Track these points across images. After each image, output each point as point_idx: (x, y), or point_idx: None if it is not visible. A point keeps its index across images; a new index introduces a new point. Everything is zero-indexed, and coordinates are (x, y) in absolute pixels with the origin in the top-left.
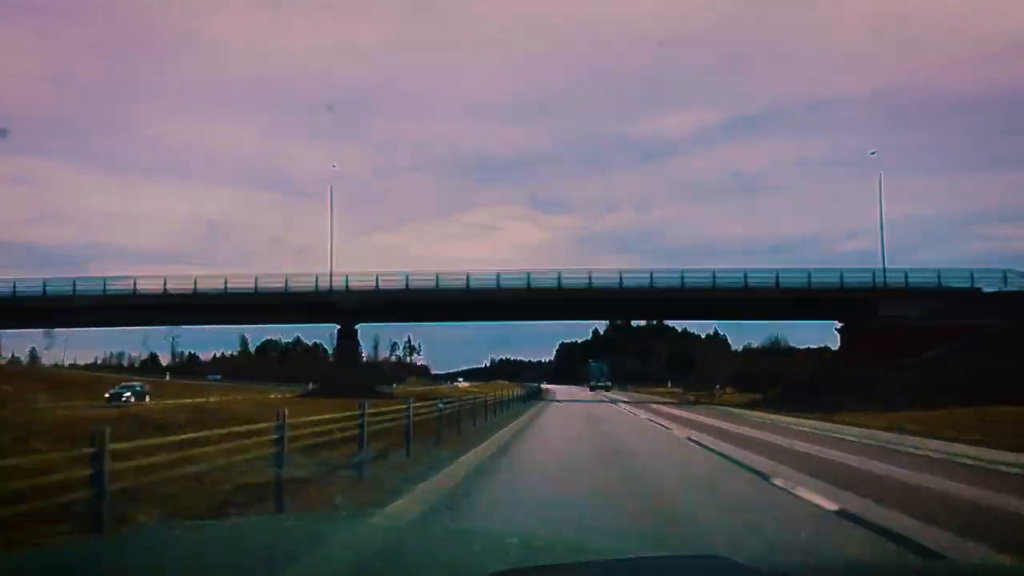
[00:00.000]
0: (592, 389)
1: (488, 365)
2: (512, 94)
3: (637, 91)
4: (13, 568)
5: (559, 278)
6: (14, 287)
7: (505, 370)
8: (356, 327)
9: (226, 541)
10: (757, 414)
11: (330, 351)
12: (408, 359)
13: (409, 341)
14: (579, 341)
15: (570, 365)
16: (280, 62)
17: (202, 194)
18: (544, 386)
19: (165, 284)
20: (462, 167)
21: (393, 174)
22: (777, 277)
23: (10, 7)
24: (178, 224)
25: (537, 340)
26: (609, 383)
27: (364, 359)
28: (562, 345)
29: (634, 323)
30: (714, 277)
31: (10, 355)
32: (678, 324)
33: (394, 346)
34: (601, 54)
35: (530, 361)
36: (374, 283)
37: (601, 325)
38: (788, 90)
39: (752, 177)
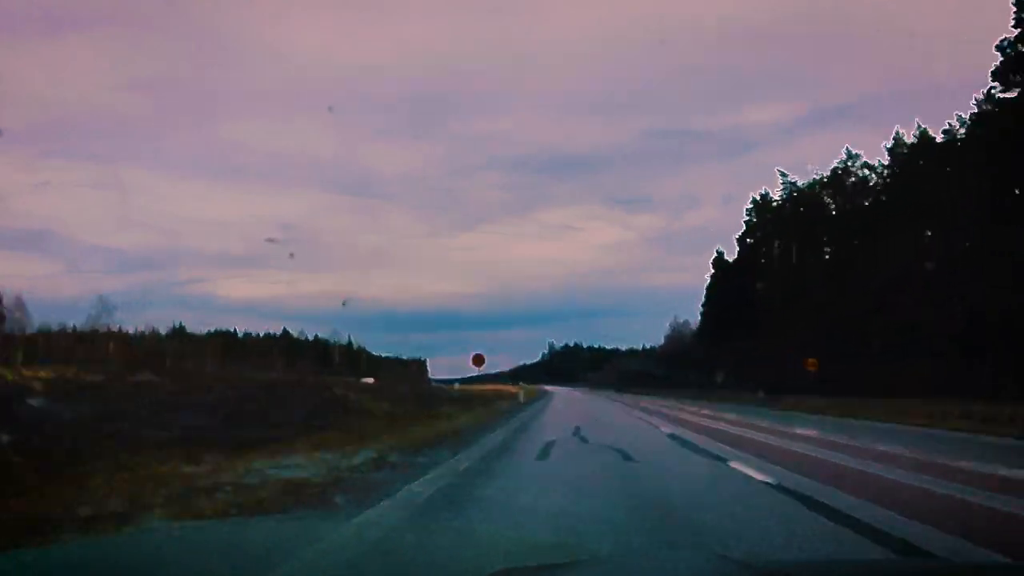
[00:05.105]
0: None
1: (545, 356)
2: (589, 91)
3: (717, 85)
4: (13, 568)
5: None
6: None
7: (569, 365)
8: None
9: (224, 542)
10: None
11: None
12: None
13: None
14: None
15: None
16: (355, 64)
17: (278, 197)
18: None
19: None
20: (538, 166)
21: (468, 173)
22: None
23: (89, 17)
24: (254, 227)
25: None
26: None
27: None
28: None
29: None
30: None
31: None
32: None
33: None
34: (680, 48)
35: (618, 349)
36: None
37: None
38: (872, 81)
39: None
